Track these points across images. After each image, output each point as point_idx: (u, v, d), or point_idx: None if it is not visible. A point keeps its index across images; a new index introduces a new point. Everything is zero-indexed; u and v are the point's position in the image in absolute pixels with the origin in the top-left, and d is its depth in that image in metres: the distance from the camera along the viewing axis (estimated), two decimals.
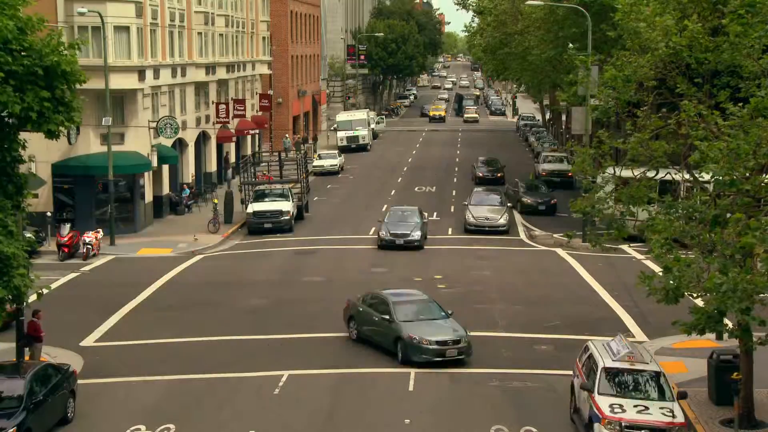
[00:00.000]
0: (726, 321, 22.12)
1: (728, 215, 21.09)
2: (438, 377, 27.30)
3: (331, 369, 28.00)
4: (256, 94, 76.53)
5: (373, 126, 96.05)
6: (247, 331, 32.17)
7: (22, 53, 22.45)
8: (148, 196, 51.75)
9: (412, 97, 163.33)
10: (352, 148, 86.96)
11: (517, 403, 25.29)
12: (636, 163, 25.95)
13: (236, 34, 69.18)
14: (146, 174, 50.95)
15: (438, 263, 42.81)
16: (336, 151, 79.54)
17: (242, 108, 65.62)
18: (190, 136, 59.04)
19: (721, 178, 20.90)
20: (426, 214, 50.13)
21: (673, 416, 21.30)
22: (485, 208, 50.51)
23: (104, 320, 33.42)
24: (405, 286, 38.16)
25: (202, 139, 62.87)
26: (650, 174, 25.65)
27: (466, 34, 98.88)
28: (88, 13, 44.76)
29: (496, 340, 30.87)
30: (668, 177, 27.38)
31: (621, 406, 21.54)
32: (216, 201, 53.99)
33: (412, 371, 27.54)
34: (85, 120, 36.86)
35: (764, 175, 21.85)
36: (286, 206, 51.03)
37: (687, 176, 25.20)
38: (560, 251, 45.16)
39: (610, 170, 26.84)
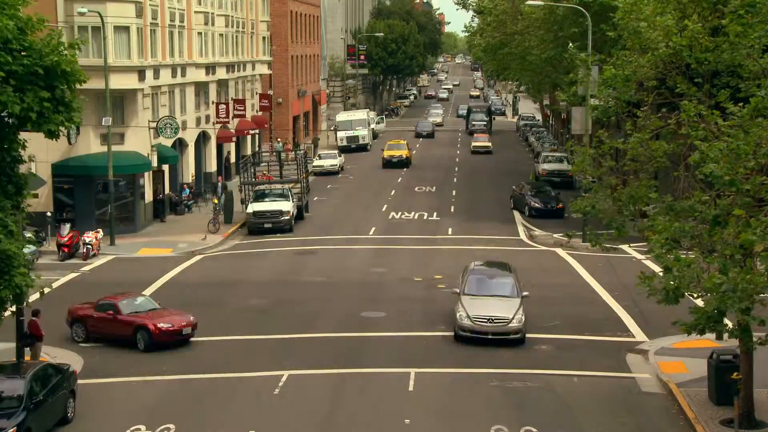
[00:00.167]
0: (726, 321, 22.12)
1: (728, 215, 21.09)
2: (438, 377, 27.30)
3: (331, 369, 28.00)
4: (256, 94, 76.54)
5: (373, 126, 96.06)
6: (247, 331, 32.17)
7: (22, 53, 22.44)
8: (148, 196, 51.78)
9: (412, 97, 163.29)
10: (352, 148, 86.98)
11: (517, 403, 25.29)
12: (636, 163, 25.96)
13: (236, 34, 69.19)
14: (146, 174, 50.97)
15: (438, 263, 42.81)
16: (336, 151, 79.54)
17: (242, 108, 65.64)
18: (190, 136, 59.05)
19: (720, 177, 20.89)
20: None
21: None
22: (489, 302, 31.24)
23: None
24: (405, 287, 38.34)
25: (202, 139, 62.87)
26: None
27: (466, 34, 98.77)
28: (88, 13, 44.77)
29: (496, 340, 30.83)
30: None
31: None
32: (216, 201, 54.01)
33: (412, 371, 27.54)
34: (85, 120, 36.83)
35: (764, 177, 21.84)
36: (286, 206, 51.03)
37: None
38: (560, 251, 45.16)
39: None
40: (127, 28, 47.65)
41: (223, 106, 63.09)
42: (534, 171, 69.53)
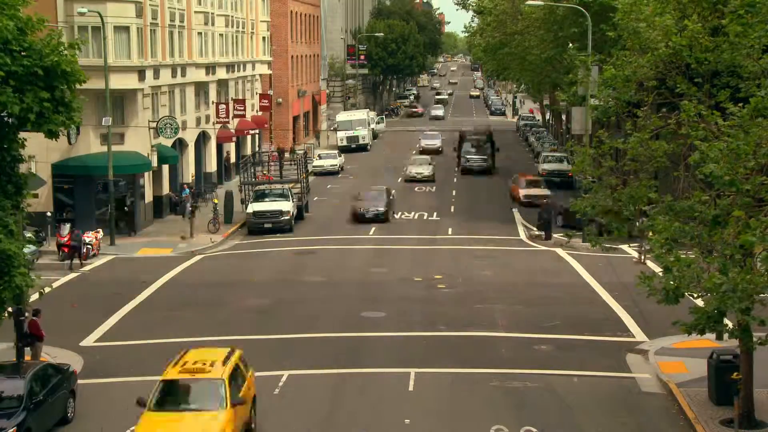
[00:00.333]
0: (726, 321, 22.12)
1: (728, 215, 21.09)
2: (438, 377, 27.30)
3: (331, 369, 28.00)
4: (256, 94, 76.53)
5: (373, 126, 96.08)
6: (247, 331, 32.17)
7: (22, 53, 22.44)
8: (148, 196, 51.78)
9: (412, 97, 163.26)
10: (352, 148, 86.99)
11: (517, 403, 25.29)
12: (636, 163, 25.96)
13: (236, 34, 69.20)
14: (146, 174, 50.97)
15: (438, 263, 42.83)
16: (336, 151, 79.56)
17: (242, 108, 65.66)
18: (190, 136, 59.06)
19: (720, 177, 20.89)
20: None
21: None
22: None
23: (104, 320, 33.42)
24: (405, 286, 38.33)
25: (202, 139, 62.88)
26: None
27: (466, 34, 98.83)
28: (88, 13, 44.78)
29: (496, 340, 30.87)
30: None
31: None
32: (216, 201, 54.03)
33: (412, 371, 27.55)
34: (85, 120, 36.85)
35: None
36: (286, 206, 51.05)
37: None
38: (560, 251, 45.16)
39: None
40: (127, 28, 47.65)
41: (223, 106, 63.10)
42: (534, 171, 69.49)
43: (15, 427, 21.39)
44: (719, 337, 27.65)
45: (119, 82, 47.34)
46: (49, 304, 30.28)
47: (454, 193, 63.78)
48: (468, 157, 71.94)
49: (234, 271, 41.67)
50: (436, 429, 23.74)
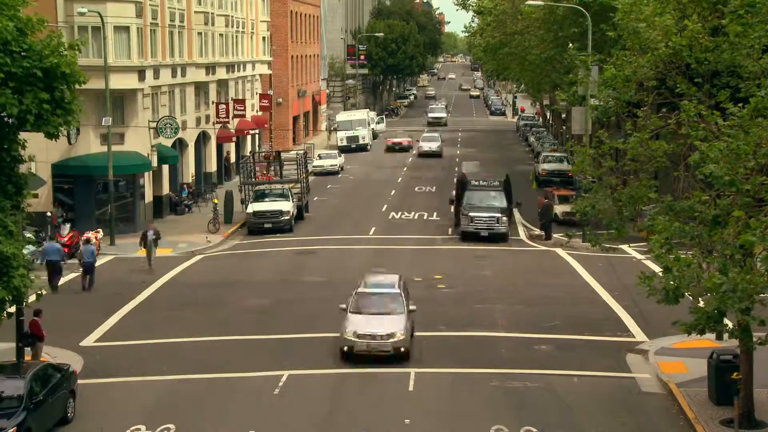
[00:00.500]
0: (726, 321, 22.12)
1: (728, 215, 21.08)
2: (438, 377, 27.30)
3: (331, 369, 27.99)
4: (256, 94, 76.52)
5: (373, 126, 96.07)
6: (247, 331, 32.17)
7: (22, 54, 22.43)
8: (148, 196, 51.77)
9: (412, 97, 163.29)
10: (352, 148, 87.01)
11: (517, 403, 25.29)
12: (636, 163, 25.95)
13: (236, 34, 69.19)
14: (146, 174, 50.97)
15: (438, 263, 42.82)
16: (336, 151, 79.57)
17: (242, 108, 65.65)
18: (190, 136, 59.06)
19: (720, 177, 20.88)
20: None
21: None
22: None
23: (104, 320, 33.43)
24: None
25: (202, 139, 62.88)
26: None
27: (466, 34, 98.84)
28: (88, 13, 44.77)
29: (496, 340, 30.87)
30: None
31: None
32: (216, 201, 54.03)
33: (412, 371, 27.54)
34: (85, 120, 36.86)
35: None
36: (286, 206, 51.05)
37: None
38: (560, 251, 45.15)
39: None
40: (127, 28, 47.65)
41: (223, 106, 63.10)
42: (534, 171, 69.51)
43: (15, 427, 21.38)
44: (719, 337, 27.64)
45: (119, 82, 47.34)
46: (50, 304, 30.24)
47: (454, 193, 63.67)
48: (473, 215, 47.17)
49: (234, 271, 41.67)
50: (436, 429, 23.75)
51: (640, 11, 29.05)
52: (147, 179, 51.30)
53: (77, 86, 23.56)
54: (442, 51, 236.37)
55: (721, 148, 21.27)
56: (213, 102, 63.34)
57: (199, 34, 60.22)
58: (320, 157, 76.55)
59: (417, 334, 31.41)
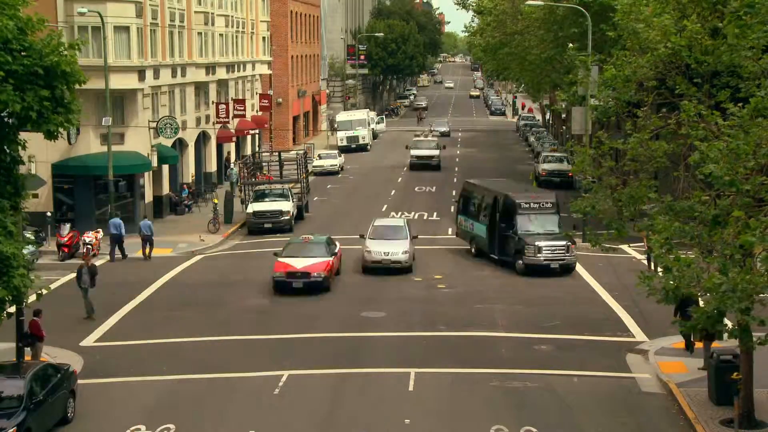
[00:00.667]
0: (726, 321, 22.13)
1: (728, 215, 21.08)
2: (438, 377, 27.30)
3: (331, 369, 28.00)
4: (256, 94, 76.53)
5: (373, 126, 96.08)
6: (247, 331, 32.17)
7: (22, 53, 22.45)
8: (148, 196, 51.77)
9: (412, 97, 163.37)
10: (352, 148, 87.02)
11: (517, 403, 25.29)
12: (636, 163, 25.96)
13: (236, 34, 69.20)
14: (146, 174, 50.97)
15: (438, 263, 42.80)
16: (336, 151, 79.58)
17: (242, 108, 65.64)
18: (190, 136, 59.06)
19: (720, 177, 20.88)
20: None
21: None
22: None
23: (104, 320, 33.43)
24: (404, 286, 38.34)
25: (202, 139, 62.88)
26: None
27: (466, 34, 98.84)
28: (88, 13, 44.77)
29: (496, 340, 30.87)
30: None
31: None
32: (216, 201, 54.04)
33: (412, 371, 27.55)
34: (85, 120, 36.86)
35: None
36: (286, 206, 51.04)
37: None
38: None
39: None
40: (127, 28, 47.65)
41: (223, 106, 63.09)
42: (534, 171, 69.51)
43: (15, 427, 21.39)
44: (719, 337, 27.65)
45: (119, 82, 47.34)
46: (50, 304, 30.23)
47: (454, 193, 63.69)
48: (540, 245, 39.84)
49: (234, 271, 41.66)
50: (436, 429, 23.75)
51: (639, 11, 29.08)
52: (147, 179, 51.30)
53: (77, 86, 23.58)
54: (442, 51, 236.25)
55: (721, 148, 21.27)
56: (213, 102, 63.34)
57: (199, 34, 60.23)
58: (320, 157, 76.54)
59: (417, 334, 31.52)
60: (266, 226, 50.23)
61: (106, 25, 45.57)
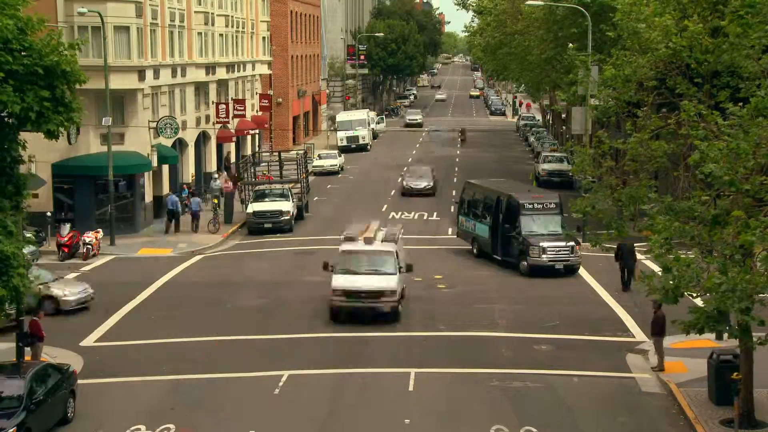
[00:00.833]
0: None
1: (728, 215, 21.09)
2: (438, 377, 27.30)
3: (331, 369, 28.00)
4: (256, 94, 76.52)
5: (373, 126, 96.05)
6: (247, 331, 32.17)
7: (22, 53, 22.45)
8: (148, 196, 51.77)
9: (412, 97, 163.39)
10: (352, 148, 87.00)
11: (517, 403, 25.29)
12: (636, 163, 25.96)
13: (236, 34, 69.19)
14: (146, 174, 50.97)
15: (438, 263, 42.80)
16: (336, 151, 79.55)
17: (242, 108, 65.62)
18: (190, 136, 59.03)
19: (720, 177, 20.89)
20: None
21: None
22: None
23: (104, 320, 33.43)
24: None
25: (202, 139, 62.87)
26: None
27: (466, 34, 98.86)
28: (88, 13, 44.76)
29: (496, 340, 30.87)
30: None
31: None
32: (216, 201, 54.05)
33: (412, 371, 27.55)
34: (85, 120, 36.74)
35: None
36: (286, 206, 51.05)
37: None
38: None
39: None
40: (127, 28, 47.63)
41: (223, 106, 63.07)
42: (534, 171, 69.51)
43: (15, 427, 21.39)
44: (719, 337, 27.72)
45: (119, 82, 47.33)
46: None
47: (454, 193, 63.70)
48: (545, 245, 39.78)
49: (234, 271, 41.67)
50: (436, 429, 23.75)
51: (640, 12, 29.09)
52: (147, 179, 51.29)
53: (77, 86, 23.57)
54: (442, 51, 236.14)
55: (721, 147, 21.28)
56: (213, 102, 63.33)
57: (199, 34, 60.21)
58: (320, 157, 76.52)
59: (417, 334, 31.51)
60: (266, 226, 50.24)
61: (106, 25, 45.56)
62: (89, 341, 31.22)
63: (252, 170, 57.94)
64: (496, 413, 24.48)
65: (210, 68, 61.86)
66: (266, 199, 51.96)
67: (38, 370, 23.60)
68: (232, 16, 67.81)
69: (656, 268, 26.62)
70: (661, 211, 23.09)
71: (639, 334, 31.30)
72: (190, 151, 59.66)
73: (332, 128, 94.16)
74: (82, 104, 24.34)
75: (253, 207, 51.08)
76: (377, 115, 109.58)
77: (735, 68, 24.61)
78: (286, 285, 38.76)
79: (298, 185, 55.92)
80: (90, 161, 47.45)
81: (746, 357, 23.35)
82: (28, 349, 27.55)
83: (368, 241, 33.40)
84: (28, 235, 30.75)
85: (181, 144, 57.57)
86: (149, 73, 50.55)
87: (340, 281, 32.39)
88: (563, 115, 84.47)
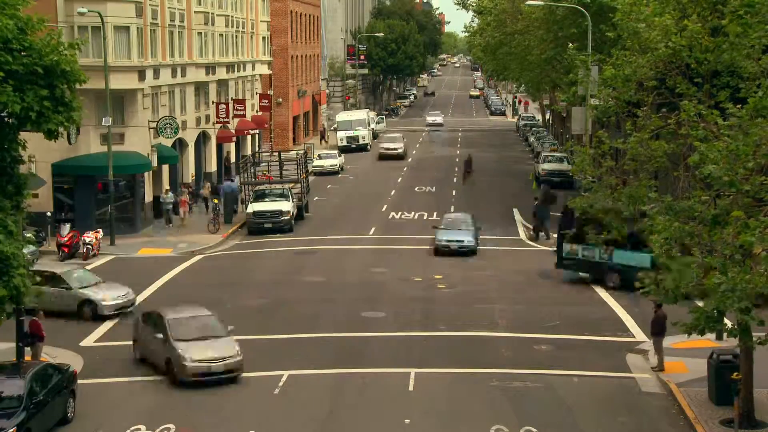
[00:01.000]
0: (726, 321, 22.13)
1: (727, 215, 21.09)
2: (438, 377, 27.31)
3: (331, 369, 28.00)
4: (256, 94, 76.51)
5: (373, 126, 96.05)
6: (247, 331, 32.14)
7: (22, 53, 22.45)
8: (148, 196, 51.77)
9: (412, 97, 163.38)
10: (352, 148, 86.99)
11: (517, 403, 25.29)
12: (636, 163, 25.96)
13: (236, 34, 69.19)
14: (146, 174, 50.97)
15: (438, 263, 42.80)
16: (336, 151, 79.55)
17: (242, 108, 65.61)
18: (190, 136, 59.04)
19: (719, 177, 20.89)
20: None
21: None
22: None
23: (104, 320, 33.40)
24: (404, 286, 38.32)
25: (202, 139, 62.87)
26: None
27: (466, 34, 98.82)
28: (88, 13, 44.76)
29: (496, 340, 30.87)
30: None
31: None
32: (216, 201, 54.06)
33: (412, 371, 27.55)
34: (85, 120, 36.82)
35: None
36: (286, 206, 51.05)
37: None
38: None
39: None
40: (127, 28, 47.63)
41: (223, 106, 63.07)
42: (534, 171, 69.52)
43: (15, 427, 21.40)
44: (719, 337, 27.72)
45: (119, 82, 47.33)
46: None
47: (454, 193, 63.77)
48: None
49: (234, 271, 41.66)
50: (436, 429, 23.75)
51: (639, 12, 29.08)
52: (147, 179, 51.29)
53: (77, 86, 23.57)
54: (442, 51, 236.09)
55: (721, 148, 21.28)
56: (213, 102, 63.33)
57: (199, 34, 60.21)
58: (320, 157, 76.51)
59: (417, 334, 31.53)
60: (266, 226, 50.24)
61: (106, 25, 45.56)
62: (89, 341, 31.23)
63: (252, 170, 57.94)
64: (496, 413, 24.49)
65: (210, 68, 61.86)
66: (266, 199, 51.96)
67: (38, 370, 23.60)
68: (232, 16, 67.80)
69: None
70: (661, 211, 23.09)
71: (639, 334, 31.31)
72: (190, 151, 59.67)
73: (333, 127, 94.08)
74: (82, 104, 24.34)
75: (253, 207, 51.08)
76: (377, 115, 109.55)
77: (735, 68, 24.60)
78: (286, 285, 38.77)
79: (298, 185, 55.93)
80: (90, 161, 47.45)
81: (746, 357, 23.36)
82: (28, 349, 27.56)
83: None
84: (28, 235, 30.75)
85: (181, 144, 57.57)
86: (149, 73, 50.55)
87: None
88: (563, 115, 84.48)
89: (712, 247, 21.62)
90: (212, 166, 64.50)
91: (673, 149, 25.29)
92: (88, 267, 42.05)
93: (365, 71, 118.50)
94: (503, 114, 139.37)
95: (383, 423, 24.02)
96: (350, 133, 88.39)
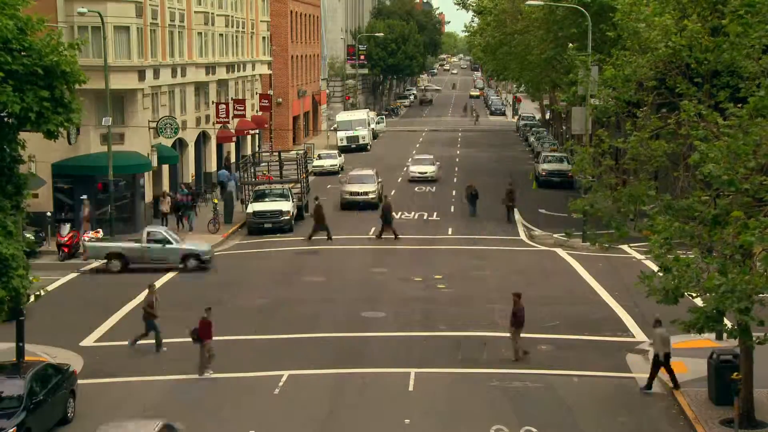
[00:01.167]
0: (726, 321, 22.12)
1: (727, 215, 21.08)
2: (438, 377, 27.30)
3: (331, 369, 28.00)
4: (256, 94, 76.51)
5: (373, 126, 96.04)
6: (247, 331, 32.17)
7: (22, 53, 22.45)
8: (148, 196, 51.77)
9: (412, 97, 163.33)
10: (352, 148, 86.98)
11: (517, 403, 25.29)
12: (635, 162, 25.96)
13: (236, 34, 69.19)
14: (146, 174, 50.96)
15: (438, 263, 42.81)
16: (336, 151, 79.53)
17: (242, 108, 65.61)
18: (190, 136, 59.05)
19: (719, 177, 20.88)
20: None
21: None
22: None
23: (104, 320, 33.42)
24: (404, 287, 38.33)
25: (202, 139, 62.87)
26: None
27: (466, 34, 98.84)
28: (88, 13, 44.74)
29: (496, 340, 30.85)
30: None
31: None
32: (216, 201, 54.05)
33: (412, 371, 27.54)
34: (85, 120, 36.80)
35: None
36: (286, 206, 51.03)
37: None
38: (560, 251, 45.14)
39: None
40: (127, 28, 47.64)
41: (223, 106, 63.07)
42: (534, 171, 69.50)
43: (15, 427, 21.40)
44: (719, 337, 27.73)
45: (119, 82, 47.33)
46: (50, 304, 30.26)
47: (454, 193, 63.75)
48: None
49: (234, 272, 41.64)
50: (436, 429, 23.75)
51: (639, 11, 29.07)
52: (147, 179, 51.29)
53: (77, 86, 23.57)
54: (442, 51, 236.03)
55: (721, 148, 21.27)
56: (213, 102, 63.33)
57: (199, 34, 60.21)
58: (320, 157, 76.50)
59: (417, 334, 31.51)
60: (266, 226, 50.23)
61: (106, 25, 45.55)
62: (89, 341, 31.23)
63: (252, 170, 57.94)
64: (496, 413, 24.49)
65: (210, 68, 61.87)
66: (266, 199, 51.95)
67: (38, 370, 23.61)
68: (232, 16, 67.82)
69: (656, 268, 26.57)
70: (661, 210, 23.09)
71: (639, 334, 31.31)
72: (190, 151, 59.68)
73: (334, 127, 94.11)
74: (82, 104, 24.35)
75: (253, 207, 51.07)
76: (377, 115, 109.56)
77: (735, 68, 24.59)
78: (286, 285, 38.76)
79: (298, 185, 55.92)
80: (90, 161, 47.45)
81: (746, 357, 23.36)
82: (28, 349, 27.52)
83: None
84: (28, 235, 30.76)
85: (181, 144, 57.58)
86: (149, 73, 50.56)
87: None
88: (563, 115, 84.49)
89: (712, 247, 21.63)
90: (212, 166, 64.52)
91: (673, 149, 25.29)
92: (88, 267, 42.11)
93: (365, 71, 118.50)
94: (503, 114, 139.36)
95: (383, 423, 24.02)
96: (350, 133, 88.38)
